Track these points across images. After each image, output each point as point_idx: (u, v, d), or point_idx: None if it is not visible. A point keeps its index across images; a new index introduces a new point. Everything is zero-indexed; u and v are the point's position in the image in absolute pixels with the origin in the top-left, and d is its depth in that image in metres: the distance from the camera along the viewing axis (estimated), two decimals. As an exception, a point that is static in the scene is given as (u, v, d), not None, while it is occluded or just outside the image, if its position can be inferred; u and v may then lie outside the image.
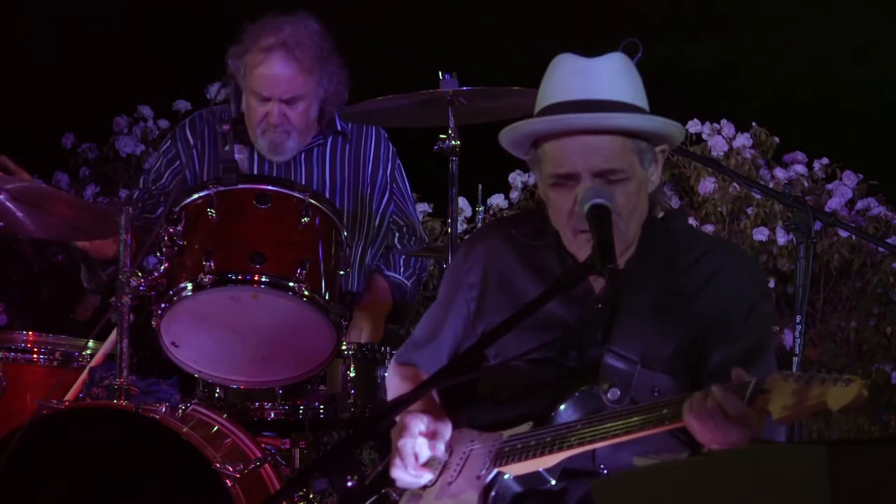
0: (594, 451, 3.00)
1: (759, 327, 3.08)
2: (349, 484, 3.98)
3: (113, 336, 4.17)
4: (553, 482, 2.97)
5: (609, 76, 3.02)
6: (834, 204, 6.49)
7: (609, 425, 2.85)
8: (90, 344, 4.45)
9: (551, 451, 2.92)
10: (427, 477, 3.09)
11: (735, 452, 2.52)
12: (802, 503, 2.16)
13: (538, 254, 3.18)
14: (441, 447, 3.10)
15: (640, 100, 3.06)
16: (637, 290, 3.06)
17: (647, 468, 2.64)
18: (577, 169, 2.98)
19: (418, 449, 3.09)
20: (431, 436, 3.10)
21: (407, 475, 3.10)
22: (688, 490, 2.30)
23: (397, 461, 3.09)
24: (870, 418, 6.45)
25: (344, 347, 4.07)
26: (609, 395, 2.98)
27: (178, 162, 4.62)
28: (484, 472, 3.02)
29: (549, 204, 3.08)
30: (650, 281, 3.08)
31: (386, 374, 3.49)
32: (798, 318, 3.77)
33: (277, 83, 4.44)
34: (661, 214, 3.15)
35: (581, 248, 3.03)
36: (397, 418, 3.15)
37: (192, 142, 4.61)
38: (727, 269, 3.10)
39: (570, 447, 2.90)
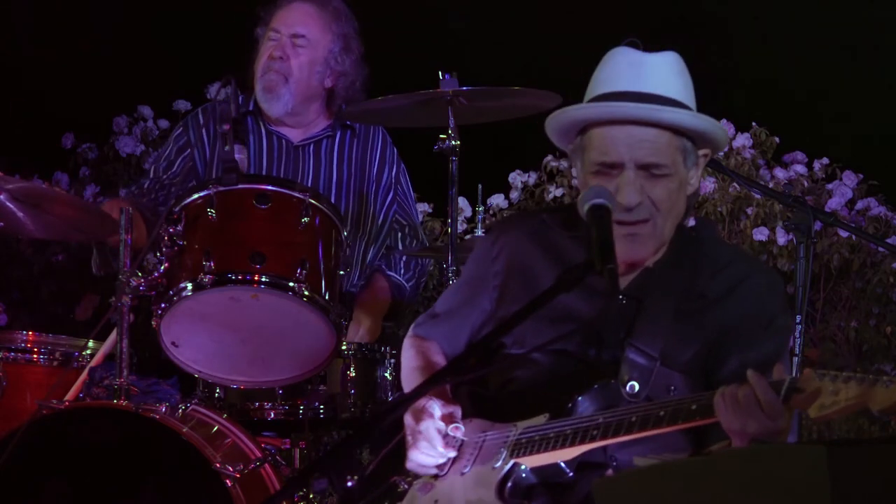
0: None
1: (777, 338, 3.09)
2: (349, 484, 3.98)
3: (113, 336, 4.17)
4: (571, 474, 2.96)
5: (663, 72, 3.04)
6: (834, 204, 6.49)
7: (634, 419, 2.84)
8: (90, 344, 4.45)
9: (573, 444, 2.91)
10: (450, 454, 3.10)
11: (735, 452, 2.52)
12: (802, 503, 2.16)
13: (566, 244, 3.19)
14: (460, 427, 3.10)
15: (690, 100, 3.08)
16: (663, 291, 3.08)
17: (647, 468, 2.64)
18: (623, 159, 3.00)
19: (440, 428, 3.09)
20: (449, 417, 3.10)
21: (430, 456, 3.10)
22: (688, 490, 2.30)
23: (421, 444, 3.09)
24: (869, 418, 6.44)
25: (344, 347, 4.08)
26: (628, 388, 2.99)
27: (188, 150, 4.64)
28: (500, 462, 3.02)
29: None
30: (677, 283, 3.09)
31: (403, 344, 3.50)
32: (798, 318, 3.77)
33: (291, 19, 4.56)
34: (691, 223, 3.17)
35: (615, 240, 3.02)
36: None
37: (202, 121, 4.64)
38: (751, 280, 3.11)
39: (592, 440, 2.89)
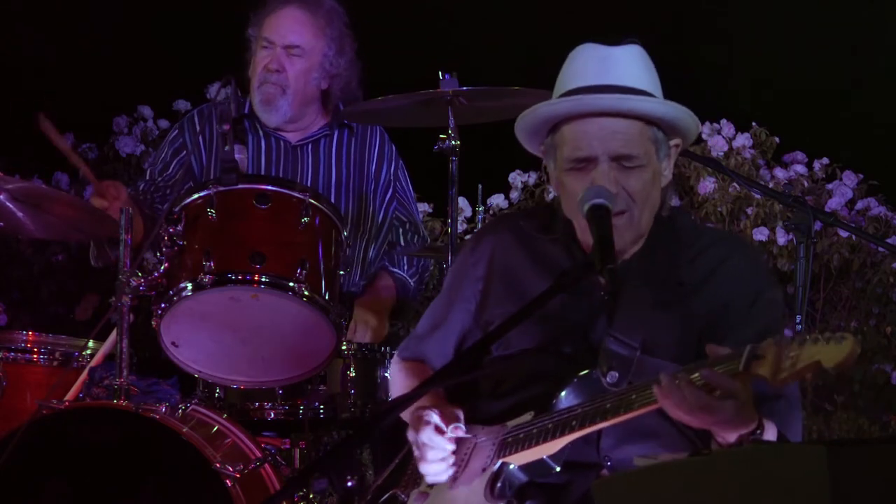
0: (598, 442, 3.01)
1: (766, 314, 3.07)
2: (349, 484, 3.99)
3: (113, 336, 4.17)
4: (557, 469, 2.97)
5: (629, 64, 3.05)
6: (834, 204, 6.49)
7: (608, 405, 2.84)
8: (90, 344, 4.46)
9: (553, 437, 2.92)
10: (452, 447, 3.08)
11: (735, 452, 2.52)
12: (802, 503, 2.16)
13: (546, 247, 3.19)
14: (461, 427, 3.09)
15: (657, 91, 3.08)
16: (641, 282, 3.07)
17: (647, 468, 2.64)
18: (596, 152, 3.00)
19: (440, 426, 3.07)
20: (450, 420, 3.09)
21: (438, 464, 3.07)
22: (688, 490, 2.30)
23: (427, 454, 3.07)
24: (870, 418, 6.45)
25: (344, 347, 4.08)
26: (608, 378, 2.98)
27: (184, 152, 4.64)
28: (489, 463, 3.03)
29: (564, 192, 3.08)
30: (655, 273, 3.09)
31: (388, 372, 3.49)
32: (798, 318, 3.77)
33: (283, 28, 4.53)
34: (667, 213, 3.17)
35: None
36: (407, 418, 3.15)
37: (198, 128, 4.63)
38: (731, 260, 3.11)
39: (571, 431, 2.89)
